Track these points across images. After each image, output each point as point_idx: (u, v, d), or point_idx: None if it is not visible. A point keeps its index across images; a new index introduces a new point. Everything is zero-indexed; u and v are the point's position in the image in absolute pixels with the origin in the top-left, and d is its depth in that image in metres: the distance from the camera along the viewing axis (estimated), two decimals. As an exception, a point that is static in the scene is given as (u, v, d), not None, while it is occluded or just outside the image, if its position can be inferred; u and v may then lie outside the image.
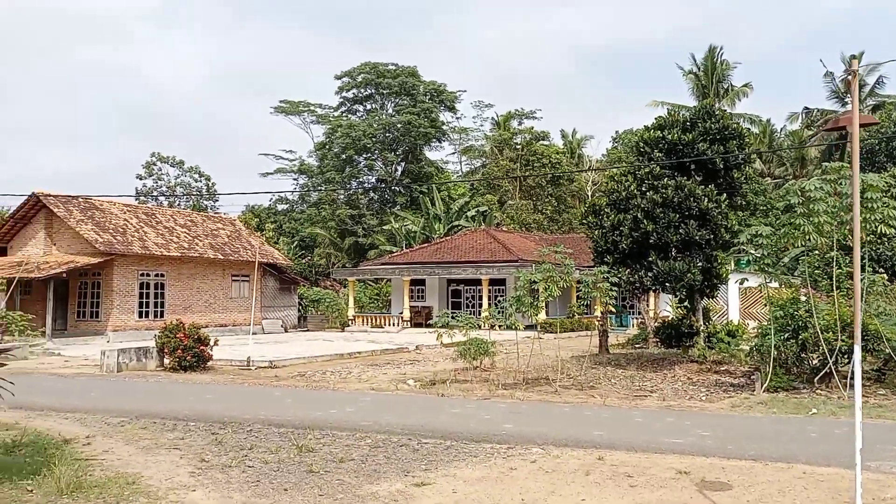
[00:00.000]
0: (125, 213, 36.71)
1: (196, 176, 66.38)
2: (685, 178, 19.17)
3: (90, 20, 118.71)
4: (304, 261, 60.52)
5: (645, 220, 18.85)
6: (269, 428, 11.55)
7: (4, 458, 9.11)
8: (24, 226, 34.93)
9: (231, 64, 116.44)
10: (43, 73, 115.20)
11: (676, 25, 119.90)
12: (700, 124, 19.67)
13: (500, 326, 19.49)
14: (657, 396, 15.30)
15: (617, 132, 74.67)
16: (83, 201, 34.83)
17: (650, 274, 18.89)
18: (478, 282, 39.21)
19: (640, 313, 32.40)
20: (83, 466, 8.75)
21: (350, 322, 41.03)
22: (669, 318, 22.92)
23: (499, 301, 34.39)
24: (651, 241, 18.88)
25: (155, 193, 64.32)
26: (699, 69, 55.33)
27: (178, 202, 64.45)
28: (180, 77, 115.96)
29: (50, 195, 33.89)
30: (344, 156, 65.17)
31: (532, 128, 68.63)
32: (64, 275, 31.33)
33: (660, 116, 21.48)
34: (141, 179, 64.72)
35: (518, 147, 64.17)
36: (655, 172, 19.34)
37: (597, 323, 27.13)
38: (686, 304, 20.97)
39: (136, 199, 58.28)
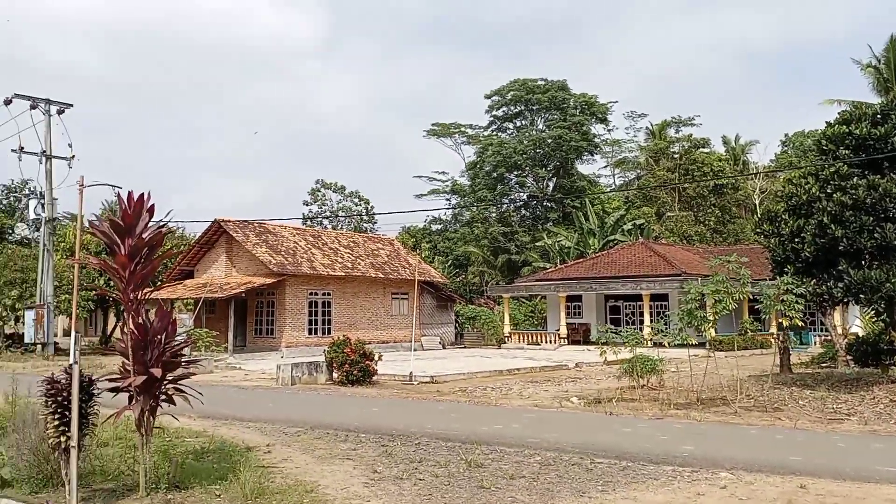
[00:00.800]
0: (295, 235, 38.98)
1: (356, 200, 69.60)
2: (878, 176, 17.20)
3: (263, 59, 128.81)
4: (458, 279, 61.32)
5: (832, 225, 17.08)
6: (437, 441, 11.50)
7: (195, 463, 9.65)
8: (208, 250, 38.02)
9: (387, 92, 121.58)
10: (221, 111, 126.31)
11: (849, 17, 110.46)
12: (894, 116, 17.63)
13: (668, 343, 18.40)
14: (857, 420, 13.69)
15: (786, 135, 69.65)
16: (258, 226, 37.40)
17: (840, 284, 17.05)
18: (638, 297, 37.69)
19: (823, 329, 29.56)
20: (265, 474, 9.07)
21: (506, 339, 40.86)
22: (862, 335, 20.61)
23: (662, 317, 32.81)
24: (840, 247, 17.06)
25: (320, 217, 68.07)
26: (879, 61, 50.23)
27: (340, 225, 67.83)
28: (342, 107, 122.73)
29: (229, 221, 36.68)
30: (495, 174, 65.55)
31: (691, 135, 65.50)
32: (243, 294, 33.68)
33: (844, 111, 19.54)
34: (307, 205, 68.81)
35: (676, 156, 61.46)
36: (842, 172, 17.51)
37: (775, 340, 25.02)
38: (884, 317, 18.75)
39: (304, 223, 61.94)
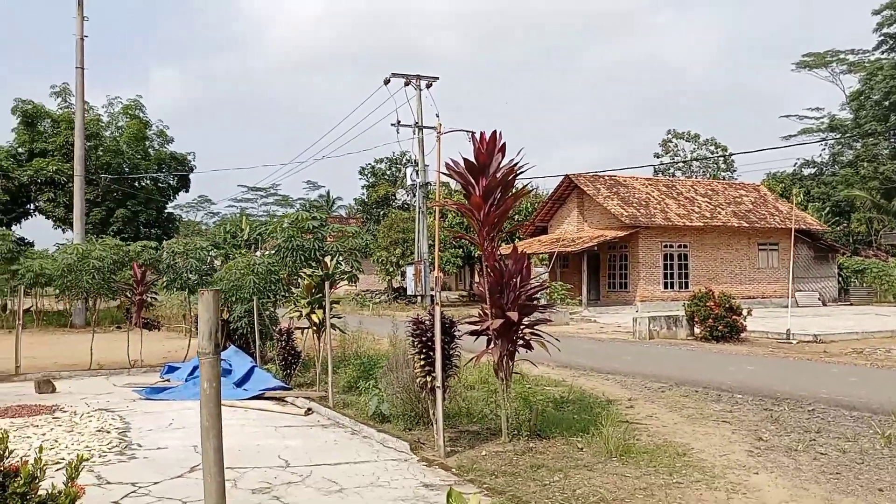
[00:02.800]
0: (647, 186, 37.38)
1: (712, 148, 64.68)
2: None
3: (612, 18, 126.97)
4: (838, 228, 53.30)
5: None
6: (837, 409, 9.49)
7: (555, 412, 9.26)
8: (560, 206, 38.50)
9: (744, 32, 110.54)
10: (568, 75, 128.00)
11: None
12: None
13: None
14: None
15: None
16: (609, 178, 36.66)
17: None
18: None
19: None
20: (629, 430, 8.26)
21: (908, 295, 34.12)
22: None
23: None
24: None
25: (672, 169, 64.83)
26: None
27: (694, 176, 63.75)
28: (694, 56, 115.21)
29: (580, 176, 36.57)
30: (886, 102, 55.04)
31: None
32: (595, 248, 33.38)
33: None
34: (658, 158, 66.05)
35: None
36: None
37: None
38: None
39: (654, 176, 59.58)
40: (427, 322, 7.75)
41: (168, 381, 12.75)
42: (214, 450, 2.94)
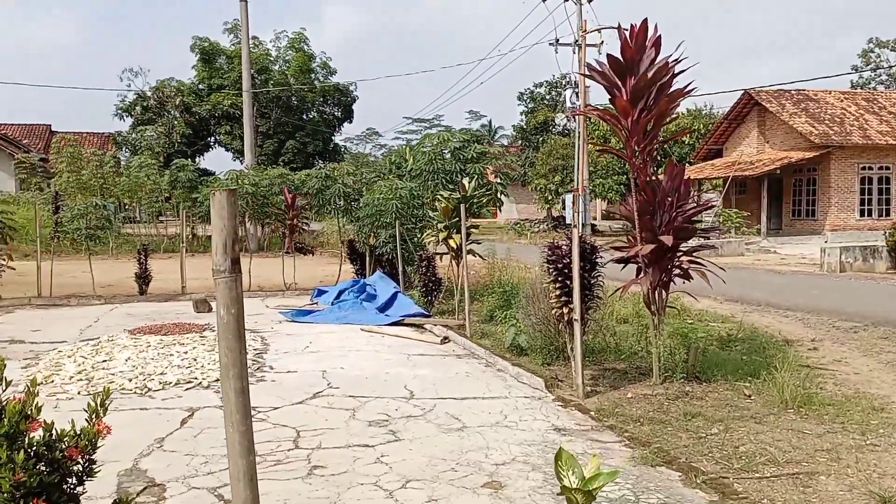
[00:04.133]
0: (842, 101, 32.88)
1: (927, 54, 55.88)
2: None
3: None
4: None
5: None
6: None
7: (719, 352, 8.09)
8: (737, 126, 34.99)
9: None
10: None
11: None
12: None
13: None
14: None
15: None
16: (795, 93, 32.63)
17: None
18: None
19: None
20: (810, 376, 6.95)
21: None
22: None
23: None
24: None
25: (873, 84, 57.01)
26: None
27: (902, 88, 55.62)
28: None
29: (762, 91, 32.82)
30: None
31: None
32: (777, 171, 30.04)
33: None
34: (857, 71, 58.19)
35: None
36: None
37: None
38: None
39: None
40: (564, 247, 6.83)
41: (316, 303, 12.87)
42: (236, 392, 2.34)
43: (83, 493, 2.62)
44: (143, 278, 13.93)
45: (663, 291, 7.00)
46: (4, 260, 13.60)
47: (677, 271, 6.99)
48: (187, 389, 6.89)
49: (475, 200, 10.49)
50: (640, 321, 9.69)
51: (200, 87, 39.30)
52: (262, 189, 14.59)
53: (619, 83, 6.64)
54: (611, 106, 7.17)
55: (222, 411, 6.13)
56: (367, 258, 14.19)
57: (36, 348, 8.94)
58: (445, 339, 9.40)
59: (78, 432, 2.60)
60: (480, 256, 11.10)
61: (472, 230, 10.51)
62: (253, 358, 8.19)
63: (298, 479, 4.69)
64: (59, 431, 2.58)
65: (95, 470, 2.64)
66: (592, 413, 6.20)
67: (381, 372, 7.73)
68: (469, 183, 10.49)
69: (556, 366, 7.70)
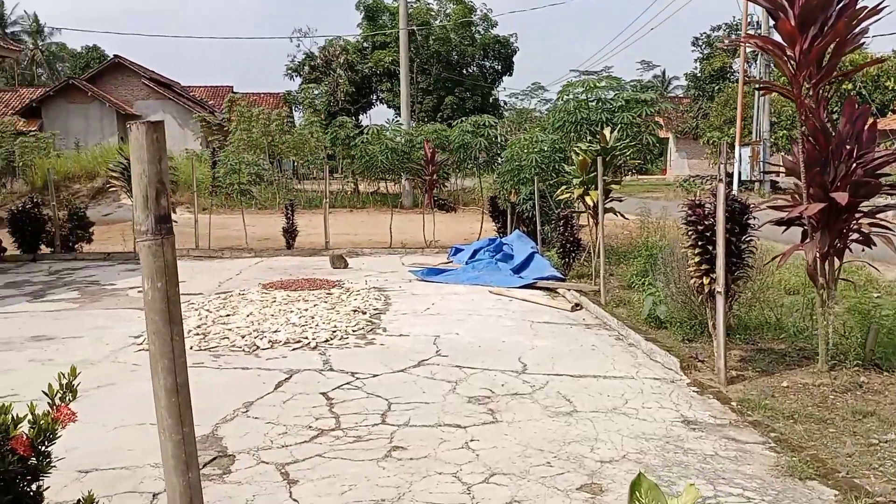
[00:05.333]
0: None
1: None
2: None
3: None
4: None
5: None
6: None
7: (911, 334, 6.62)
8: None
9: None
10: None
11: None
12: None
13: None
14: None
15: None
16: None
17: None
18: None
19: None
20: None
21: None
22: None
23: None
24: None
25: None
26: None
27: None
28: None
29: None
30: None
31: None
32: None
33: None
34: None
35: None
36: None
37: None
38: None
39: None
40: (708, 206, 5.76)
41: (451, 262, 12.45)
42: (167, 391, 1.81)
43: (39, 489, 2.23)
44: (290, 233, 14.23)
45: (835, 259, 5.74)
46: (168, 213, 14.41)
47: (855, 236, 5.69)
48: (294, 349, 6.69)
49: (617, 153, 9.41)
50: (812, 293, 8.28)
51: (364, 45, 40.03)
52: (402, 145, 14.28)
53: (785, 3, 5.38)
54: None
55: (321, 375, 5.83)
56: (509, 216, 13.52)
57: (174, 299, 9.24)
58: (577, 307, 8.58)
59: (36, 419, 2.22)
60: (622, 215, 10.04)
61: (613, 186, 9.47)
62: (369, 319, 7.88)
63: (372, 462, 4.22)
64: (14, 417, 2.21)
65: (49, 466, 2.25)
66: (734, 403, 5.21)
67: (497, 340, 7.12)
68: (611, 133, 9.42)
69: (700, 342, 6.67)
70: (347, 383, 5.71)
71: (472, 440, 4.55)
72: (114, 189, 16.59)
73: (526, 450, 4.39)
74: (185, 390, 1.79)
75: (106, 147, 30.08)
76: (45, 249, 13.83)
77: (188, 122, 37.31)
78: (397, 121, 15.16)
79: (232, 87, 48.98)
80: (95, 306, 8.93)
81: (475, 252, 12.11)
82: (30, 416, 2.23)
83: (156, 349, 1.75)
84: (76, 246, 14.04)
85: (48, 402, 2.28)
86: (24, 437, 2.14)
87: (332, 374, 5.96)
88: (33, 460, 2.19)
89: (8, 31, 60.50)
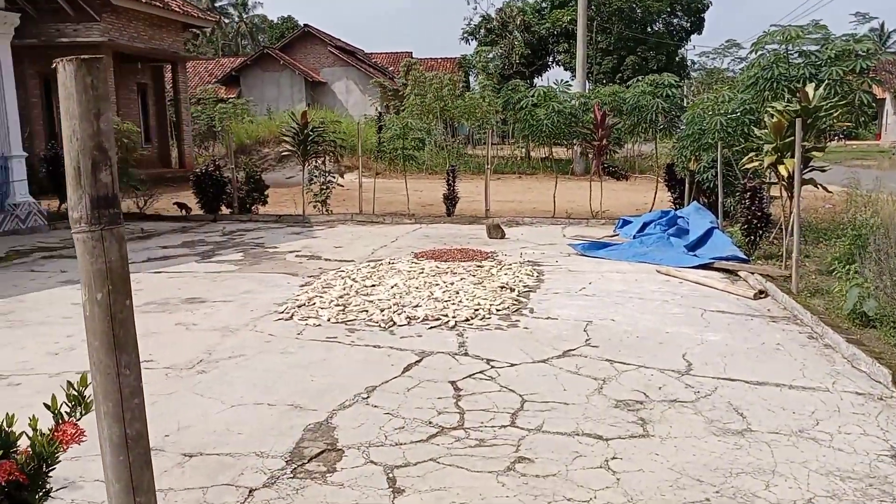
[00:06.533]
0: None
1: None
2: None
3: None
4: None
5: None
6: None
7: None
8: None
9: None
10: None
11: None
12: None
13: None
14: None
15: None
16: None
17: None
18: None
19: None
20: None
21: None
22: None
23: None
24: None
25: None
26: None
27: None
28: None
29: None
30: None
31: None
32: None
33: None
34: None
35: None
36: None
37: None
38: None
39: None
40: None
41: (616, 235, 11.44)
42: (113, 446, 1.29)
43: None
44: (451, 199, 13.88)
45: None
46: (335, 177, 14.64)
47: None
48: (431, 328, 6.23)
49: (822, 114, 7.89)
50: None
51: (543, 4, 38.78)
52: (573, 108, 13.32)
53: None
54: None
55: (453, 360, 5.32)
56: (687, 186, 12.19)
57: (326, 266, 9.18)
58: (761, 294, 7.36)
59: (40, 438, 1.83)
60: (823, 188, 8.50)
61: (814, 154, 7.99)
62: (516, 297, 7.25)
63: (491, 475, 3.63)
64: (9, 433, 1.84)
65: (45, 498, 1.83)
66: (968, 438, 4.02)
67: (658, 331, 6.20)
68: (814, 91, 7.90)
69: (919, 350, 5.36)
70: (480, 372, 5.15)
71: (613, 458, 3.81)
72: (286, 154, 17.14)
73: (680, 478, 3.59)
74: (142, 443, 1.27)
75: (295, 113, 31.68)
76: (224, 210, 14.57)
77: (368, 89, 38.36)
78: (566, 82, 14.11)
79: (411, 52, 49.74)
80: (253, 269, 9.08)
81: (645, 225, 11.00)
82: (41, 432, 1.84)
83: (98, 387, 1.25)
84: (252, 208, 14.66)
85: (53, 417, 1.88)
86: (11, 462, 1.75)
87: (466, 359, 5.43)
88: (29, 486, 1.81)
89: (216, 4, 65.72)
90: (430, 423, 4.26)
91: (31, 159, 14.74)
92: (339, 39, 43.30)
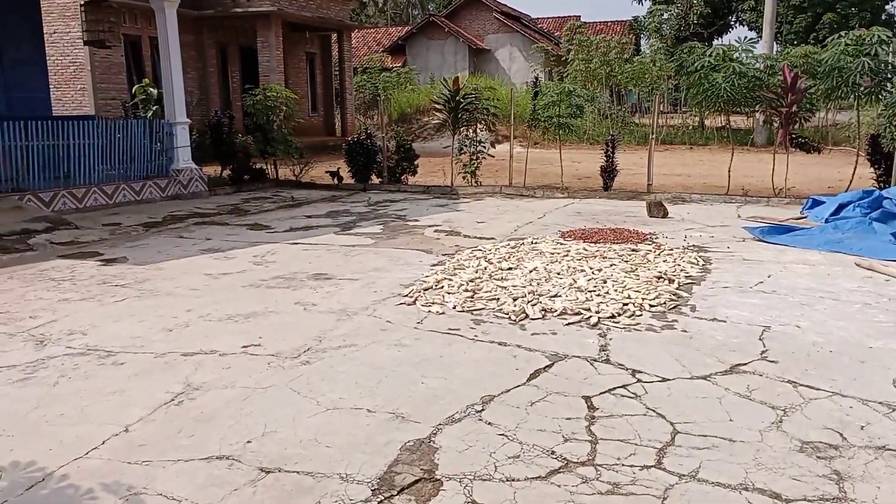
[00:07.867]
0: None
1: None
2: None
3: None
4: None
5: None
6: None
7: None
8: None
9: None
10: None
11: None
12: None
13: None
14: None
15: None
16: None
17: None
18: None
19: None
20: None
21: None
22: None
23: None
24: None
25: None
26: None
27: None
28: None
29: None
30: None
31: None
32: None
33: None
34: None
35: None
36: None
37: None
38: None
39: None
40: None
41: (804, 218, 9.79)
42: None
43: None
44: (609, 172, 12.71)
45: None
46: (486, 147, 13.94)
47: None
48: (569, 324, 5.36)
49: None
50: None
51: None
52: (757, 70, 11.62)
53: None
54: None
55: (590, 367, 4.40)
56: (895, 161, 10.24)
57: (464, 243, 8.53)
58: None
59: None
60: None
61: None
62: (675, 291, 6.15)
63: (622, 540, 2.78)
64: None
65: None
66: None
67: (859, 344, 4.92)
68: None
69: None
70: (623, 386, 4.24)
71: (796, 533, 2.82)
72: (439, 122, 16.68)
73: (894, 577, 2.54)
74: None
75: (449, 80, 31.31)
76: (375, 180, 14.38)
77: (531, 56, 37.18)
78: (750, 40, 12.31)
79: (579, 16, 47.67)
80: (388, 244, 8.61)
81: (841, 207, 9.31)
82: None
83: None
84: (402, 177, 14.35)
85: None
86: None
87: (606, 368, 4.53)
88: None
89: (386, -25, 66.77)
90: (553, 453, 3.46)
91: (204, 127, 15.36)
92: (505, 5, 42.30)
